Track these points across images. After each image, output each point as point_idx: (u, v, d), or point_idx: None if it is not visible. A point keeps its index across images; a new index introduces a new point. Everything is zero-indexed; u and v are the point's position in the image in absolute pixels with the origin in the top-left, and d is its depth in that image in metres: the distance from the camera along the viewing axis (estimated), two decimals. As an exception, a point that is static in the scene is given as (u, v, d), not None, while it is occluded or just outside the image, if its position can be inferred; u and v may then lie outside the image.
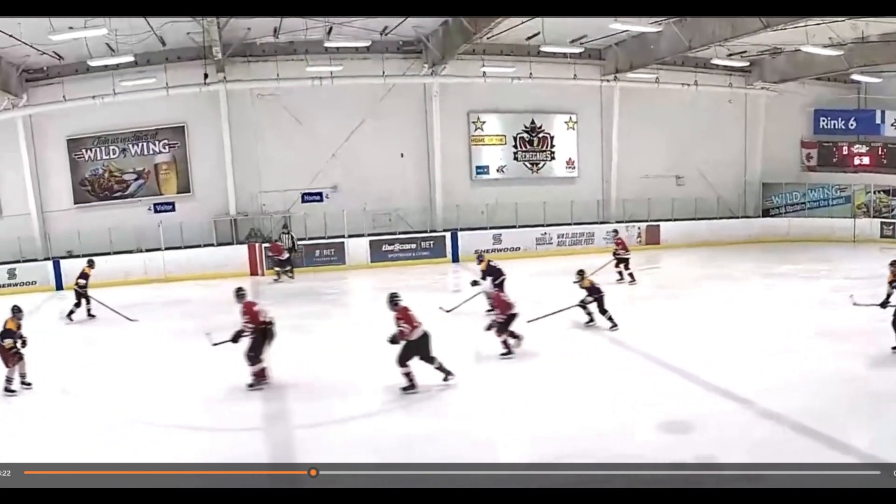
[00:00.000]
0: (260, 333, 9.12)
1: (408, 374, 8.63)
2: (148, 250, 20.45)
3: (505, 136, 21.28)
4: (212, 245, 20.51)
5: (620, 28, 16.90)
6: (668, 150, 23.00)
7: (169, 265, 20.17)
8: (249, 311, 9.21)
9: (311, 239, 20.53)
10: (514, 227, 20.56)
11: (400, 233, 20.59)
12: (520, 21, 16.56)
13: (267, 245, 19.80)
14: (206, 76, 20.00)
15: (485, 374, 9.65)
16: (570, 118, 21.45)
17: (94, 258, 16.07)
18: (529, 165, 21.51)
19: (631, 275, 15.86)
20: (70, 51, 19.81)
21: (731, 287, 15.85)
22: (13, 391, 9.67)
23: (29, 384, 9.80)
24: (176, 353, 11.37)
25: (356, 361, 10.28)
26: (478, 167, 21.34)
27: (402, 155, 21.01)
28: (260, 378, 9.22)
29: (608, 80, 21.42)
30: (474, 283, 12.80)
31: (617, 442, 7.04)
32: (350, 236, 20.37)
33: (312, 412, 8.30)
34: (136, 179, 21.10)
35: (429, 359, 8.65)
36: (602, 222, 21.22)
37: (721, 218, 23.61)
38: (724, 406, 7.94)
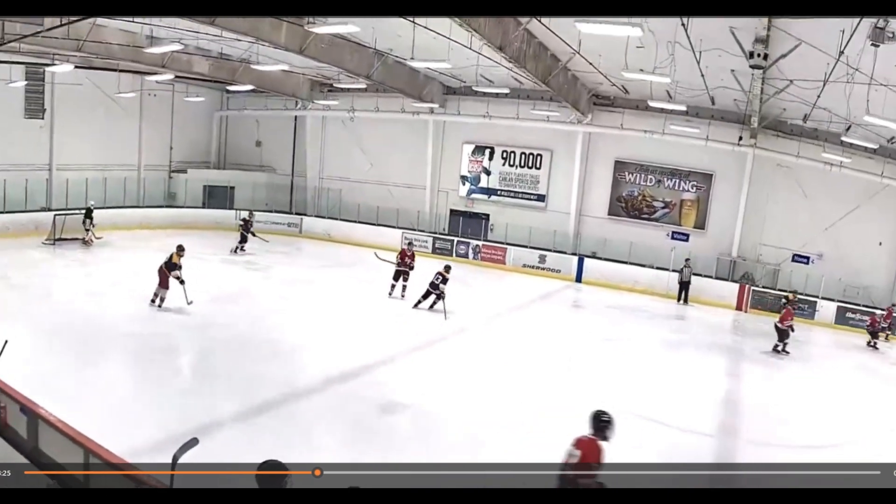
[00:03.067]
0: None
1: None
2: (658, 268, 24.70)
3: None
4: (710, 277, 24.67)
5: None
6: None
7: (671, 284, 24.39)
8: None
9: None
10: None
11: (863, 304, 24.58)
12: None
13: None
14: (740, 138, 24.07)
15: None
16: None
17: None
18: None
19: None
20: (635, 88, 23.98)
21: None
22: (155, 302, 15.17)
23: (191, 303, 15.26)
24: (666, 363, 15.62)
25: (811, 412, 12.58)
26: (944, 269, 25.18)
27: (880, 243, 24.92)
28: None
29: None
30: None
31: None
32: (822, 298, 24.38)
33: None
34: (662, 208, 25.31)
35: None
36: None
37: None
38: None
